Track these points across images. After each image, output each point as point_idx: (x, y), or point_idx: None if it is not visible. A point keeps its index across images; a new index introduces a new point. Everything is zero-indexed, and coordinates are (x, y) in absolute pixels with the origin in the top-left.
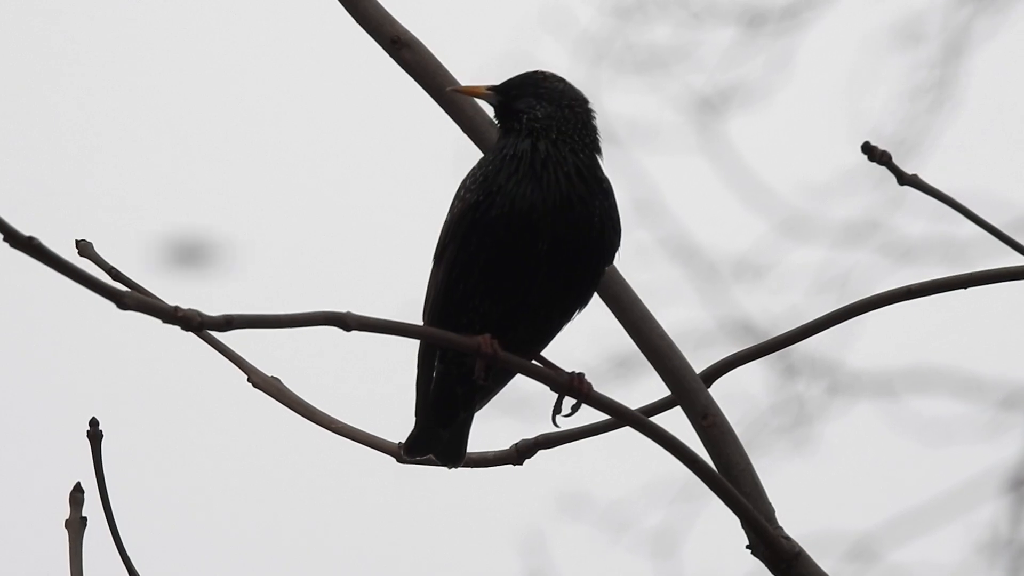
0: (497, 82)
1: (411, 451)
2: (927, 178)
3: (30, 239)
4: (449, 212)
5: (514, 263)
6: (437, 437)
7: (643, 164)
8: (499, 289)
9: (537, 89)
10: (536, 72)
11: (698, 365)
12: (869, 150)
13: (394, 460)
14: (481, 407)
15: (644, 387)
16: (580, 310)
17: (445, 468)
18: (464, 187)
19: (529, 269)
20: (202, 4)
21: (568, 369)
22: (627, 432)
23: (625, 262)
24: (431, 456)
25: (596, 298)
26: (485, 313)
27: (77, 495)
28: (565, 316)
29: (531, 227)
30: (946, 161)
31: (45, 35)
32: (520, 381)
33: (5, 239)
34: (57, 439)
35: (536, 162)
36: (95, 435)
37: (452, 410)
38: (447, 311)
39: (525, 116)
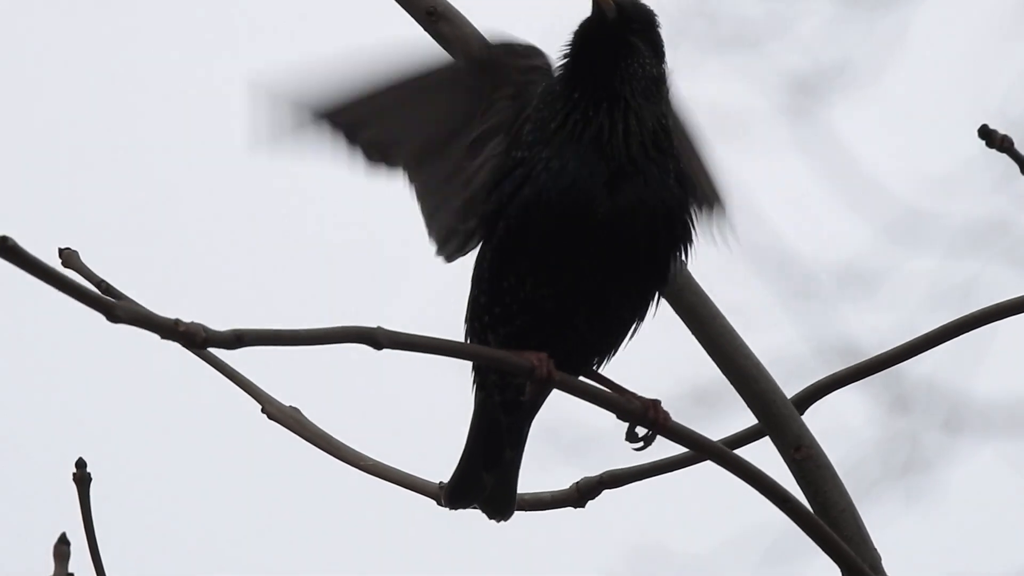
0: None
1: (452, 500)
2: None
3: (4, 239)
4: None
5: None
6: (480, 483)
7: (728, 160)
8: (552, 266)
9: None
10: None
11: (791, 391)
12: (987, 135)
13: (434, 503)
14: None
15: (729, 422)
16: (642, 317)
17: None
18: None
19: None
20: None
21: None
22: (708, 468)
23: (707, 276)
24: (476, 507)
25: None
26: (537, 303)
27: (62, 548)
28: (628, 318)
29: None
30: None
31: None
32: (582, 414)
33: None
34: (39, 483)
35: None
36: (82, 478)
37: (496, 447)
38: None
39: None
